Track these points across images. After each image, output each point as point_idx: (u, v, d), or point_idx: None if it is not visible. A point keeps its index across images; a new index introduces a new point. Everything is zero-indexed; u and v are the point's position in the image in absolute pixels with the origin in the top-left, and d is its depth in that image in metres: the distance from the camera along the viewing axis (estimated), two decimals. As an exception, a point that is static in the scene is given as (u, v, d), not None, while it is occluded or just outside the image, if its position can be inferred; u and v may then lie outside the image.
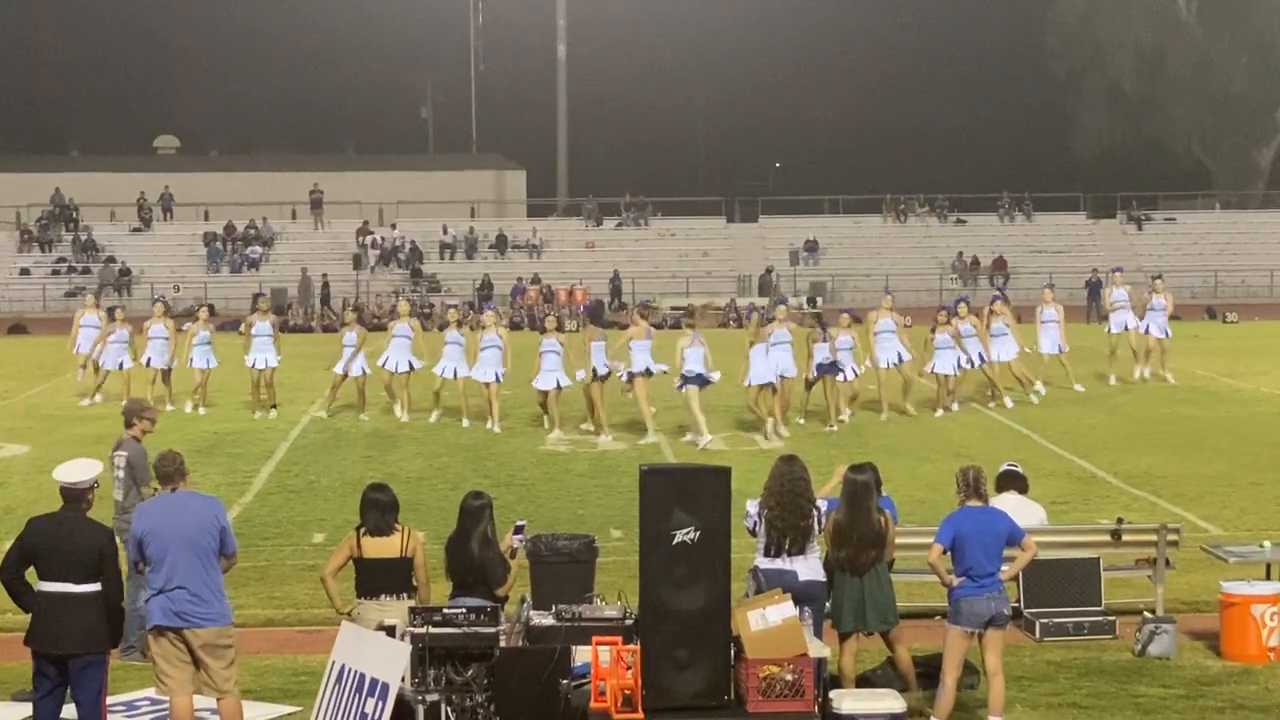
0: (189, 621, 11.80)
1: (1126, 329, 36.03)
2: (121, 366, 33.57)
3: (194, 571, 11.84)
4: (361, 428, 30.79)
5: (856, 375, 30.73)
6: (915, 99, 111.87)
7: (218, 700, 12.05)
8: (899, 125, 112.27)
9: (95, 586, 11.69)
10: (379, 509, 13.06)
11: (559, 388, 29.82)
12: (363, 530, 13.00)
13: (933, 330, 31.55)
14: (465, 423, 30.64)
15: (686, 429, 29.05)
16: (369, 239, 78.79)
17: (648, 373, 28.96)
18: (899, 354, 31.50)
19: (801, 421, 30.41)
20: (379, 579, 12.88)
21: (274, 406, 32.36)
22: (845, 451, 25.24)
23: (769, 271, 76.04)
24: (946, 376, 31.51)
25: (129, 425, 15.62)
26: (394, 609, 12.60)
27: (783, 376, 29.28)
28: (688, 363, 28.37)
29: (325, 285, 71.42)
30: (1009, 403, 31.99)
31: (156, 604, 11.83)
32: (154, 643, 11.89)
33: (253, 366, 32.46)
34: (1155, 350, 36.02)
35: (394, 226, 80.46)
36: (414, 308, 42.15)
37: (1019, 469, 17.05)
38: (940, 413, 31.35)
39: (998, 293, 39.81)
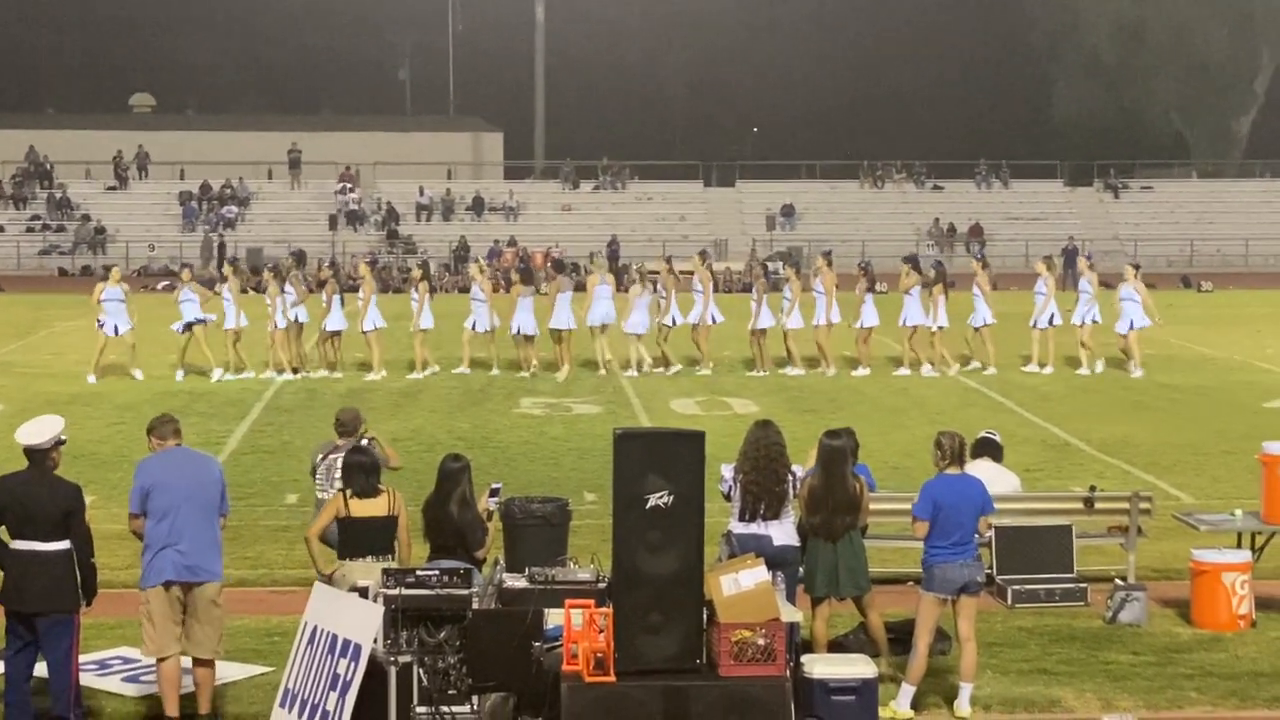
0: (199, 575, 11.89)
1: (1084, 323, 33.32)
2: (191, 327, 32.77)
3: (203, 527, 11.95)
4: (335, 388, 30.76)
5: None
6: (893, 65, 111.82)
7: (195, 663, 12.08)
8: (877, 91, 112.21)
9: (63, 545, 11.65)
10: (363, 471, 13.06)
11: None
12: (349, 492, 13.00)
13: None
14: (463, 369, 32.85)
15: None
16: (345, 188, 78.56)
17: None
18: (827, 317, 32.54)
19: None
20: (366, 539, 12.86)
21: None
22: (820, 417, 25.28)
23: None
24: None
25: (353, 434, 14.94)
26: (379, 570, 12.60)
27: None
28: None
29: (222, 246, 70.94)
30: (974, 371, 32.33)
31: (167, 559, 11.83)
32: (156, 599, 11.86)
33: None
34: (1130, 342, 33.45)
35: (351, 188, 79.54)
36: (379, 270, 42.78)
37: (996, 437, 17.09)
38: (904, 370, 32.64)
39: (978, 257, 39.05)
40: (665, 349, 33.05)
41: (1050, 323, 33.20)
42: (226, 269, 34.84)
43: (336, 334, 32.60)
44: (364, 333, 32.56)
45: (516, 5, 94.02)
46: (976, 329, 32.97)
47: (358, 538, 12.92)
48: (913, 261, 33.97)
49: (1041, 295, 33.09)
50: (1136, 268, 34.30)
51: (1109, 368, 33.11)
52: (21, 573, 11.61)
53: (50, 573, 11.59)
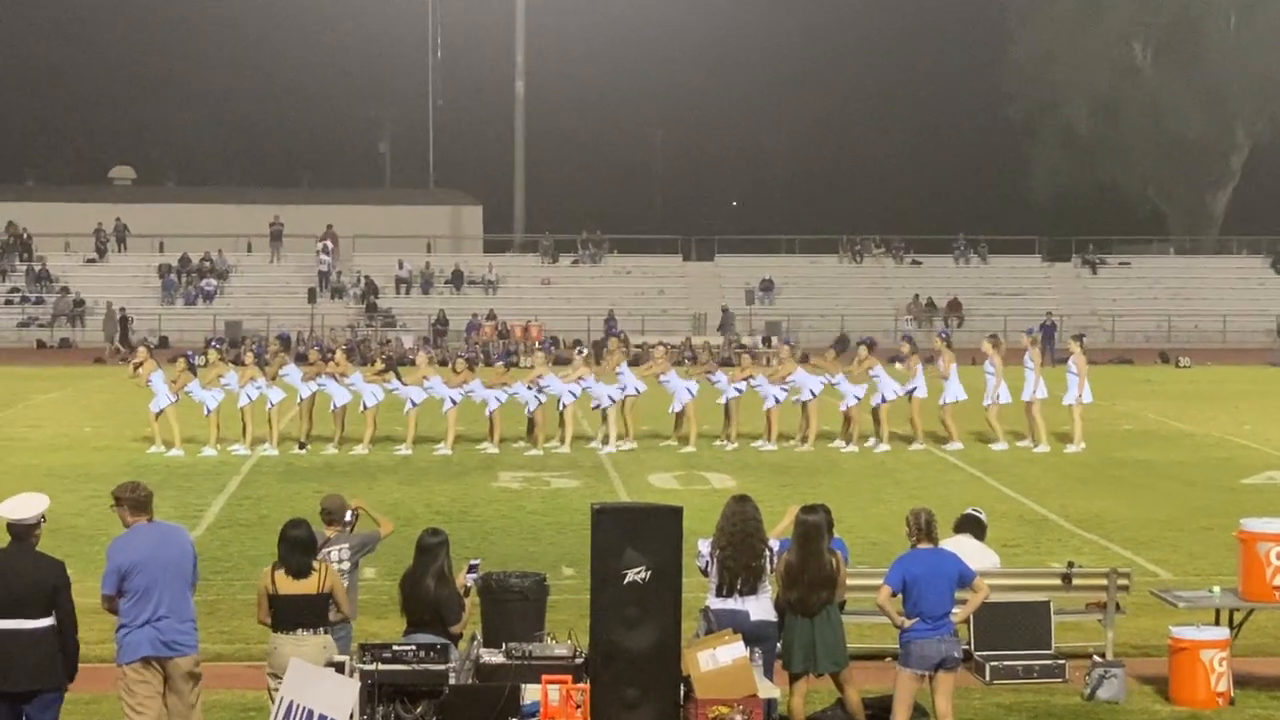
0: (177, 650, 11.85)
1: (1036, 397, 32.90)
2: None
3: (180, 600, 11.91)
4: (314, 462, 30.73)
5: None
6: (872, 140, 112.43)
7: None
8: (856, 166, 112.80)
9: (49, 622, 11.58)
10: (299, 549, 12.74)
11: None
12: (279, 569, 12.74)
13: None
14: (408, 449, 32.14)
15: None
16: (325, 246, 78.61)
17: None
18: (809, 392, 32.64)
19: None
20: (295, 614, 12.61)
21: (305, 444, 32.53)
22: (797, 492, 25.25)
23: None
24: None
25: (340, 521, 14.62)
26: (310, 644, 12.44)
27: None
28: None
29: (124, 319, 70.43)
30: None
31: (144, 635, 11.79)
32: (134, 675, 11.81)
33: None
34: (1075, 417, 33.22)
35: (325, 251, 79.23)
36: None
37: (981, 515, 16.95)
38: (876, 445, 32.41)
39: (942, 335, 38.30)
40: (629, 421, 32.99)
41: (996, 399, 32.96)
42: (274, 344, 35.06)
43: (343, 408, 32.68)
44: (365, 409, 32.49)
45: (496, 79, 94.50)
46: (943, 405, 32.92)
47: (286, 613, 12.66)
48: (868, 343, 33.96)
49: (991, 374, 33.05)
50: (1079, 340, 34.27)
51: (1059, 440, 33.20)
52: (6, 652, 11.49)
53: (37, 650, 11.52)
